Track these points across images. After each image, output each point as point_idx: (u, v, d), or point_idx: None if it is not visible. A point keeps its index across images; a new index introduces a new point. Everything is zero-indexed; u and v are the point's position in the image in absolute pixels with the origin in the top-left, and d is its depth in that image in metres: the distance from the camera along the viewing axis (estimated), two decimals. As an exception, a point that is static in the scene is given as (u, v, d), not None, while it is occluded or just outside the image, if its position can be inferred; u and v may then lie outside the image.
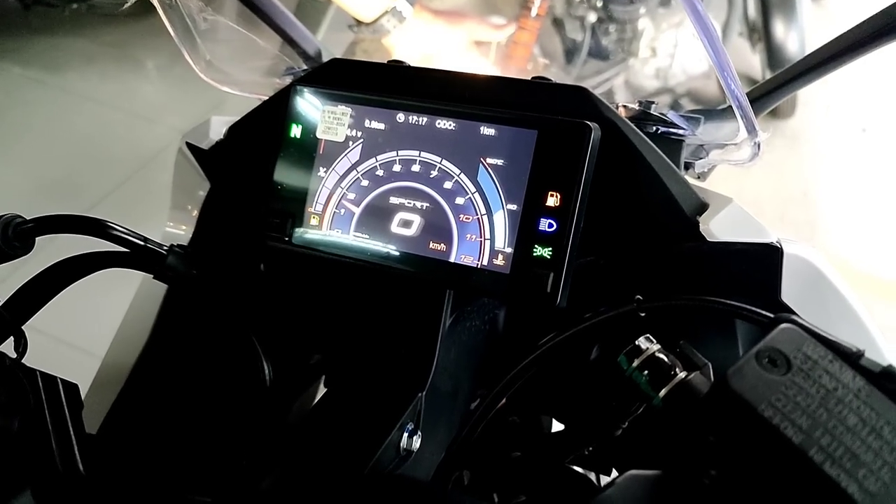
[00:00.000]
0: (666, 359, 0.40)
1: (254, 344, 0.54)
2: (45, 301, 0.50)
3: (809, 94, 2.86)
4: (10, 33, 2.84)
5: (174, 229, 0.66)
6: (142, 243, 0.51)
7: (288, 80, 0.68)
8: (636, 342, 0.41)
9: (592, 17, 1.88)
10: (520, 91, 0.52)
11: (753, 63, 2.94)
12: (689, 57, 1.98)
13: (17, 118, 2.56)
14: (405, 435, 0.48)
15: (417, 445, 0.49)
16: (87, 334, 1.53)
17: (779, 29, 2.54)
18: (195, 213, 0.65)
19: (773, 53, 2.62)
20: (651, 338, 0.41)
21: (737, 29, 2.37)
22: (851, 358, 0.30)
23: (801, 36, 2.59)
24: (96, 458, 0.40)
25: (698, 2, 0.42)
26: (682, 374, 0.39)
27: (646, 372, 0.40)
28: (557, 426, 0.66)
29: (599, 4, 1.87)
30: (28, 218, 0.49)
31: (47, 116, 2.57)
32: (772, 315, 0.39)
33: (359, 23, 0.86)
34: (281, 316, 0.58)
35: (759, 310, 0.41)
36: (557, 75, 1.83)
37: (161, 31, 0.64)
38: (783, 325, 0.31)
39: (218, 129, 0.63)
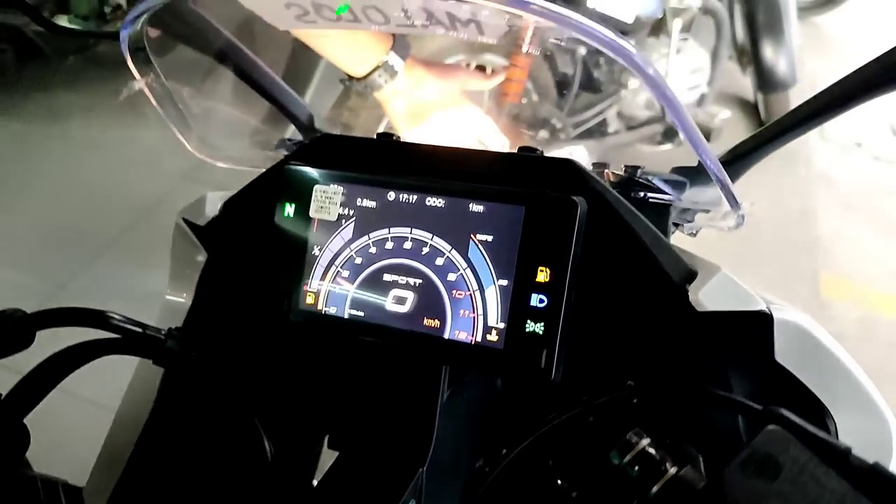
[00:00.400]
0: (656, 453, 0.40)
1: (255, 424, 0.54)
2: (44, 393, 0.50)
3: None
4: (7, 89, 2.91)
5: (174, 297, 0.67)
6: (140, 331, 0.52)
7: (281, 153, 0.69)
8: (627, 436, 0.41)
9: (583, 51, 1.90)
10: (507, 164, 0.53)
11: (744, 85, 2.97)
12: (679, 86, 2.01)
13: (19, 170, 2.60)
14: None
15: None
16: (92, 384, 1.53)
17: (768, 51, 2.57)
18: (195, 276, 0.65)
19: (763, 75, 2.65)
20: (641, 431, 0.42)
21: (726, 53, 2.40)
22: (839, 457, 0.31)
23: (790, 57, 2.63)
24: None
25: (667, 88, 0.43)
26: (672, 470, 0.40)
27: (636, 467, 0.40)
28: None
29: (589, 38, 1.89)
30: (29, 312, 0.50)
31: (49, 168, 2.60)
32: (760, 407, 0.39)
33: (350, 78, 0.88)
34: (280, 392, 0.59)
35: (749, 402, 0.42)
36: (550, 110, 1.85)
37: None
38: (770, 428, 0.32)
39: (213, 206, 0.64)
